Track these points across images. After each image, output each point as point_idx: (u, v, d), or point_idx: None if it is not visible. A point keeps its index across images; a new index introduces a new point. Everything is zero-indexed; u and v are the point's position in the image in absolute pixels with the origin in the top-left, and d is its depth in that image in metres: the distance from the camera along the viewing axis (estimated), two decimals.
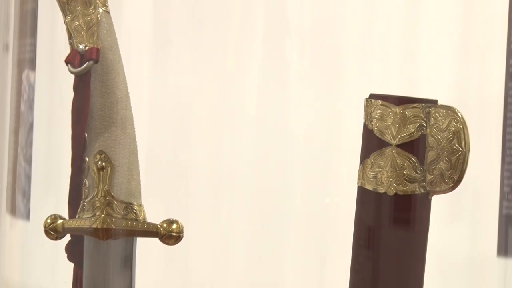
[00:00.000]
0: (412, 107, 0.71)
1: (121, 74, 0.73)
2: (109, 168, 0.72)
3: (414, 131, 0.71)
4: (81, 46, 0.72)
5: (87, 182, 0.73)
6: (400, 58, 0.77)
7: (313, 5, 0.76)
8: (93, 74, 0.72)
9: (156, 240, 0.72)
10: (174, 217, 0.72)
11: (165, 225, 0.72)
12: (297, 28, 0.76)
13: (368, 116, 0.72)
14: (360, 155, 0.72)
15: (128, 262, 0.73)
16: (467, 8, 0.77)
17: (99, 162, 0.72)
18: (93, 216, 0.72)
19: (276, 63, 0.76)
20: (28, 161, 0.77)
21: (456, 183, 0.70)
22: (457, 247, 0.75)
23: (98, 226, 0.72)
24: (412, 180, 0.71)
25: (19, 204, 0.77)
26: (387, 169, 0.71)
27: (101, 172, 0.72)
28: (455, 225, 0.75)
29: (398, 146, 0.71)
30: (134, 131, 0.73)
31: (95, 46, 0.72)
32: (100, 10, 0.72)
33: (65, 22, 0.73)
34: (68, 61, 0.72)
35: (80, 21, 0.72)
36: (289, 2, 0.76)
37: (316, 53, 0.77)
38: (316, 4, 0.76)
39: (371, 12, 0.76)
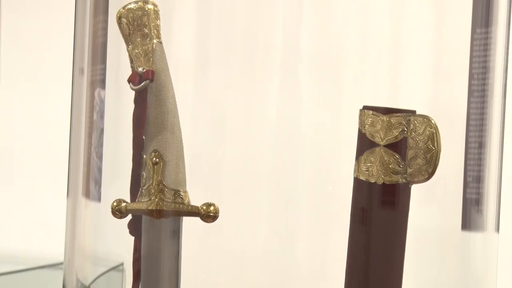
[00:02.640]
0: (396, 116, 0.71)
1: (171, 90, 0.73)
2: (161, 163, 0.73)
3: (397, 135, 0.71)
4: (140, 69, 0.73)
5: (144, 174, 0.73)
6: (388, 78, 0.77)
7: (321, 39, 0.76)
8: (149, 90, 0.73)
9: (197, 218, 0.73)
10: (211, 201, 0.73)
11: (204, 207, 0.73)
12: (307, 56, 0.76)
13: (362, 123, 0.72)
14: (356, 153, 0.73)
15: (176, 234, 0.74)
16: (438, 38, 0.77)
17: (154, 159, 0.73)
18: (149, 200, 0.73)
19: (291, 83, 0.76)
20: (100, 157, 0.77)
21: (430, 175, 0.71)
22: (430, 224, 0.75)
23: (153, 208, 0.73)
24: (396, 173, 0.71)
25: (92, 190, 0.77)
26: (376, 164, 0.72)
27: (155, 166, 0.73)
28: (429, 206, 0.75)
29: (385, 146, 0.71)
30: (181, 135, 0.74)
31: (151, 69, 0.73)
32: (155, 41, 0.73)
33: (128, 51, 0.74)
34: (129, 80, 0.73)
35: (139, 49, 0.73)
36: (301, 37, 0.76)
37: (322, 76, 0.76)
38: (323, 38, 0.76)
39: (368, 43, 0.76)
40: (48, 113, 2.64)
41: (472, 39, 0.77)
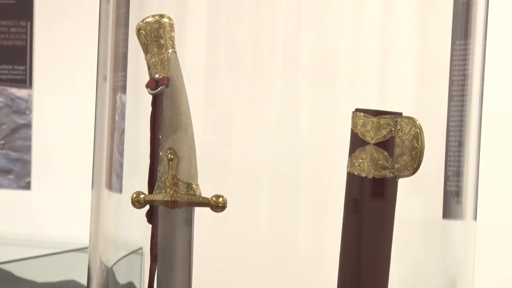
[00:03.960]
0: (385, 118, 0.71)
1: (184, 94, 0.73)
2: (176, 159, 0.73)
3: (386, 134, 0.71)
4: (156, 76, 0.73)
5: (160, 169, 0.73)
6: (377, 84, 0.77)
7: (317, 49, 0.76)
8: (165, 94, 0.72)
9: (207, 208, 0.73)
10: (220, 193, 0.73)
11: (214, 199, 0.73)
12: (305, 64, 0.76)
13: (354, 124, 0.72)
14: (349, 151, 0.72)
15: (188, 222, 0.74)
16: (422, 49, 0.77)
17: (169, 155, 0.73)
18: (164, 192, 0.73)
19: (291, 88, 0.76)
20: (121, 154, 0.77)
21: (415, 170, 0.70)
22: (415, 213, 0.75)
23: (168, 199, 0.73)
24: (384, 168, 0.71)
25: (114, 183, 0.77)
26: (367, 160, 0.71)
27: (170, 162, 0.73)
28: (414, 198, 0.75)
29: (375, 144, 0.71)
30: (193, 134, 0.73)
31: (166, 75, 0.72)
32: (170, 50, 0.73)
33: (146, 59, 0.73)
34: (147, 85, 0.73)
35: (156, 58, 0.73)
36: (300, 47, 0.76)
37: (319, 81, 0.76)
38: (319, 48, 0.76)
39: (360, 53, 0.76)
40: (76, 115, 2.65)
41: (452, 49, 0.77)
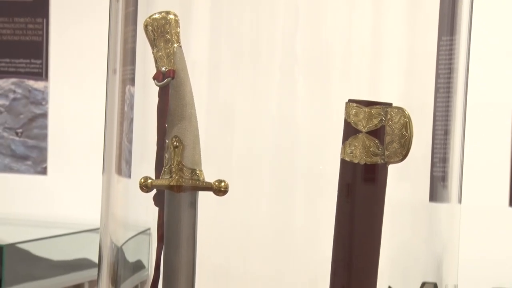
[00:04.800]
0: (376, 108, 0.71)
1: (188, 86, 0.73)
2: (181, 147, 0.72)
3: (377, 123, 0.71)
4: (163, 68, 0.72)
5: (166, 156, 0.73)
6: (369, 77, 0.76)
7: (313, 45, 0.76)
8: (171, 86, 0.72)
9: (210, 192, 0.73)
10: (222, 178, 0.73)
11: (216, 183, 0.72)
12: (302, 59, 0.76)
13: (347, 113, 0.72)
14: (342, 139, 0.72)
15: (192, 205, 0.73)
16: (411, 45, 0.77)
17: (174, 143, 0.72)
18: (170, 177, 0.72)
19: (288, 81, 0.75)
20: (130, 142, 0.77)
21: (404, 157, 0.70)
22: (404, 196, 0.75)
23: (174, 184, 0.72)
24: (375, 155, 0.71)
25: (123, 168, 0.76)
26: (359, 147, 0.71)
27: (176, 149, 0.72)
28: (403, 182, 0.74)
29: (367, 133, 0.71)
30: (197, 123, 0.73)
31: (172, 68, 0.72)
32: (175, 45, 0.73)
33: (153, 53, 0.73)
34: (154, 78, 0.72)
35: (162, 52, 0.73)
36: (297, 43, 0.75)
37: (314, 75, 0.76)
38: (315, 44, 0.76)
39: (353, 48, 0.76)
40: (89, 105, 2.65)
41: (439, 45, 0.76)
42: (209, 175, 0.73)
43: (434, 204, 0.76)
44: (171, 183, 0.72)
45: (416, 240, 0.77)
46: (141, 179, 0.73)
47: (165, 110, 0.72)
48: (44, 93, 2.76)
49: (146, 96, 0.77)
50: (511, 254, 2.36)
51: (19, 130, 2.77)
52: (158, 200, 0.74)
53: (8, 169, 2.77)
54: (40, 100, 2.76)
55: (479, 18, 0.92)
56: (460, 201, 0.78)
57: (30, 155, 2.77)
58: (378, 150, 0.71)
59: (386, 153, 0.70)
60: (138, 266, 0.81)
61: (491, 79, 2.33)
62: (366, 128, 0.71)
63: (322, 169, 0.76)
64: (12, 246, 2.30)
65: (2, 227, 2.66)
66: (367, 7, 0.75)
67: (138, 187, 0.73)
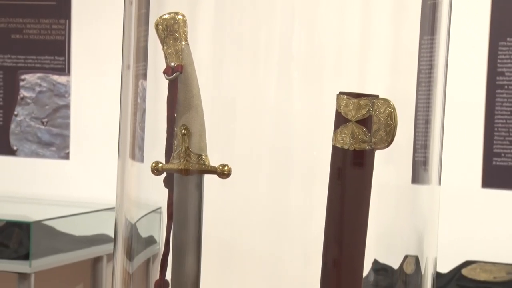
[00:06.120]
0: (364, 99, 0.70)
1: (195, 79, 0.72)
2: (188, 134, 0.72)
3: (365, 113, 0.70)
4: (172, 64, 0.72)
5: (175, 142, 0.72)
6: (358, 71, 0.76)
7: (308, 44, 0.76)
8: (179, 79, 0.72)
9: (215, 176, 0.72)
10: (226, 163, 0.72)
11: (220, 167, 0.72)
12: (297, 56, 0.75)
13: (338, 104, 0.71)
14: (333, 127, 0.71)
15: (198, 187, 0.73)
16: (395, 43, 0.76)
17: (182, 131, 0.72)
18: (178, 162, 0.72)
19: (285, 75, 0.75)
20: (142, 130, 0.76)
21: (389, 143, 0.69)
22: (389, 179, 0.74)
23: (182, 168, 0.72)
24: (363, 142, 0.70)
25: (137, 154, 0.76)
26: (349, 135, 0.70)
27: (184, 137, 0.72)
28: (388, 166, 0.74)
29: (356, 122, 0.70)
30: (203, 113, 0.72)
31: (180, 63, 0.71)
32: (183, 43, 0.72)
33: (163, 50, 0.72)
34: (164, 72, 0.72)
35: (172, 49, 0.72)
36: (293, 42, 0.75)
37: (309, 70, 0.75)
38: (309, 43, 0.76)
39: (343, 46, 0.75)
40: (106, 97, 2.65)
41: (420, 43, 0.76)
42: (214, 160, 0.73)
43: (416, 186, 0.76)
44: (180, 167, 0.72)
45: (399, 218, 0.76)
46: (153, 163, 0.73)
47: (174, 101, 0.72)
48: (66, 86, 2.76)
49: (157, 89, 0.76)
50: (482, 231, 2.36)
51: (45, 120, 2.78)
52: (167, 182, 0.73)
53: (35, 155, 2.77)
54: (63, 93, 2.77)
55: (458, 19, 0.91)
56: (439, 183, 0.78)
57: (54, 142, 2.78)
58: (366, 137, 0.70)
59: (373, 140, 0.70)
60: (150, 241, 0.81)
61: (467, 73, 2.33)
62: (355, 118, 0.70)
63: (315, 154, 0.75)
64: (38, 223, 2.31)
65: (29, 206, 2.67)
66: (357, 10, 0.75)
67: (150, 171, 0.73)
